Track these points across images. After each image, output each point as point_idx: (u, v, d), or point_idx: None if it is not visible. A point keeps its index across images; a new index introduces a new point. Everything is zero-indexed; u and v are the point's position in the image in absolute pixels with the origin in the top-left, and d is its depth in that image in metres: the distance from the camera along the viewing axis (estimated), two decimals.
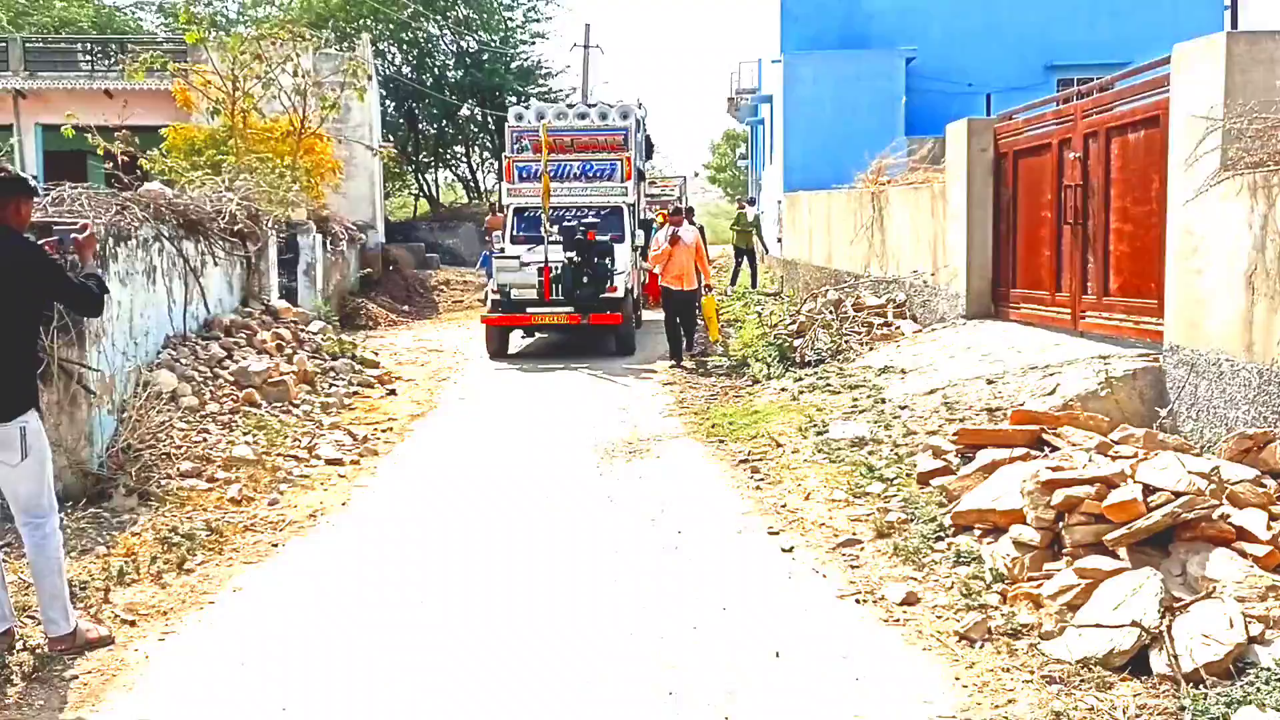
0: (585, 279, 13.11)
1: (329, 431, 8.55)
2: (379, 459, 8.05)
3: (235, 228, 10.25)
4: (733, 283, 21.71)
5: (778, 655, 4.24)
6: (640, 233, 15.83)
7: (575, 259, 13.15)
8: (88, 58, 25.64)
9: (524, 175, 15.20)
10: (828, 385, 9.29)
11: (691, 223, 17.55)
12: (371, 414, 9.66)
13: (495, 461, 7.98)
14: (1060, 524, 4.79)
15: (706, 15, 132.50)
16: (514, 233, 15.15)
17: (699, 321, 13.75)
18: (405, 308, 20.97)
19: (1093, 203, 8.15)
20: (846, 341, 10.92)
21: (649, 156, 19.55)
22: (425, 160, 37.18)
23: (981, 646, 4.22)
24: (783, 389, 9.77)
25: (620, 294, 13.44)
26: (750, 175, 34.57)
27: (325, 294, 16.56)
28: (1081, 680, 3.84)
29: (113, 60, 24.70)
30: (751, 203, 24.22)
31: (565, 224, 13.72)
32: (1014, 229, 9.59)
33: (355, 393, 10.37)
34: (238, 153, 14.34)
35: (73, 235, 4.73)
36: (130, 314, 7.58)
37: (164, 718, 3.89)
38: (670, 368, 12.38)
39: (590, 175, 15.31)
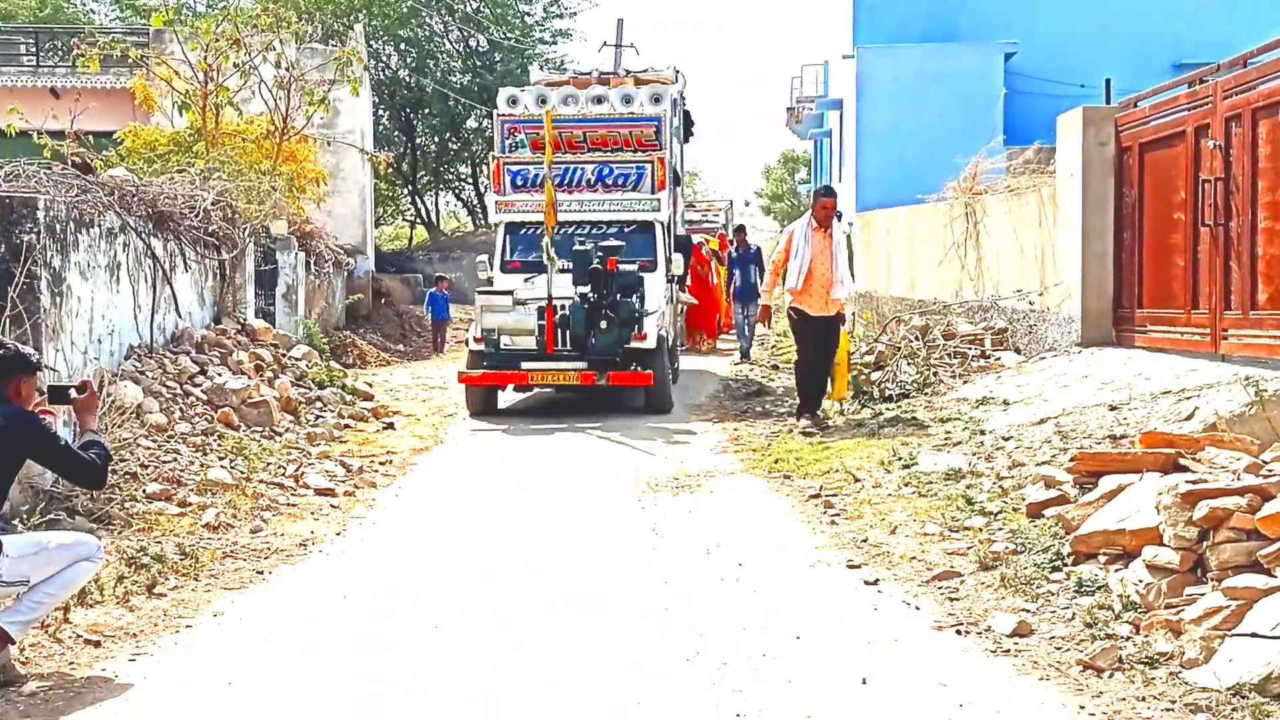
0: (604, 323, 11.65)
1: (318, 461, 8.75)
2: (377, 491, 8.22)
3: (209, 229, 10.58)
4: None
5: (864, 682, 4.33)
6: (678, 257, 14.24)
7: (590, 296, 11.75)
8: (31, 53, 26.57)
9: (519, 182, 13.75)
10: (914, 419, 9.39)
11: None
12: (366, 447, 9.86)
13: (517, 493, 8.15)
14: (1204, 544, 4.86)
15: (761, 16, 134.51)
16: (505, 257, 13.68)
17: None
18: (399, 347, 21.32)
19: (1236, 199, 8.27)
20: (935, 374, 11.02)
21: (688, 138, 17.60)
22: (424, 181, 37.91)
23: (1111, 676, 4.29)
24: (859, 424, 9.88)
25: (651, 343, 11.96)
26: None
27: (307, 322, 16.88)
28: (1233, 709, 3.90)
29: (61, 55, 25.56)
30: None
31: (576, 247, 11.99)
32: (1139, 237, 9.70)
33: (346, 425, 10.59)
34: (207, 156, 14.74)
35: (71, 393, 4.98)
36: (90, 312, 7.85)
37: None
38: (801, 430, 10.04)
39: (610, 182, 13.73)
